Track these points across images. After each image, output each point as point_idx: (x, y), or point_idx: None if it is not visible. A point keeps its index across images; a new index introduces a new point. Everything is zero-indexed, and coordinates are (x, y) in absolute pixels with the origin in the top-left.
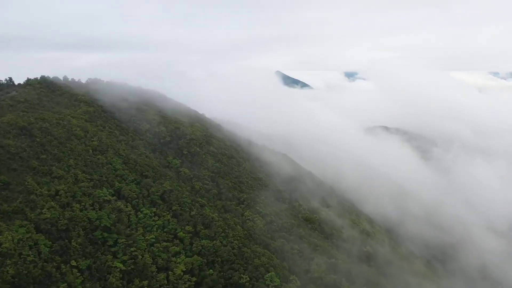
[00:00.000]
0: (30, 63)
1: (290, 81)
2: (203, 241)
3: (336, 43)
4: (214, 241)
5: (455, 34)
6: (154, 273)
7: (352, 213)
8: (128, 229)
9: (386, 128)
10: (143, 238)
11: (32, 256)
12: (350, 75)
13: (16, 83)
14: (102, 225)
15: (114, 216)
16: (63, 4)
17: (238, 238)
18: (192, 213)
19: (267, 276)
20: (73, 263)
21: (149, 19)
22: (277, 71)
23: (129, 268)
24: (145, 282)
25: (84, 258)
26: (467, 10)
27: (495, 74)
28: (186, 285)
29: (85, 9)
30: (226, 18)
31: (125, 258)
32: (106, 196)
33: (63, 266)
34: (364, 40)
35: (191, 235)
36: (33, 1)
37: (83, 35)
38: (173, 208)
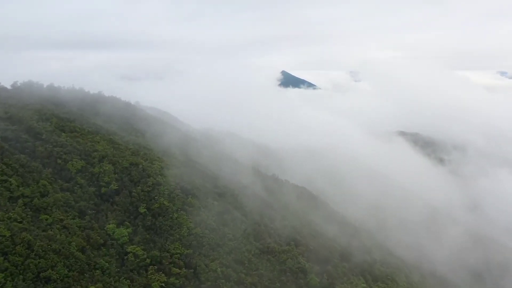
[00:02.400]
0: (29, 63)
1: (296, 81)
2: None
3: (344, 42)
4: None
5: (464, 32)
6: None
7: None
8: None
9: (399, 133)
10: None
11: None
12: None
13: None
14: None
15: None
16: (67, 1)
17: None
18: None
19: None
20: None
21: (154, 17)
22: (283, 71)
23: None
24: None
25: None
26: (478, 9)
27: (503, 73)
28: None
29: (87, 8)
30: (232, 16)
31: None
32: None
33: None
34: (372, 39)
35: None
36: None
37: (85, 34)
38: None
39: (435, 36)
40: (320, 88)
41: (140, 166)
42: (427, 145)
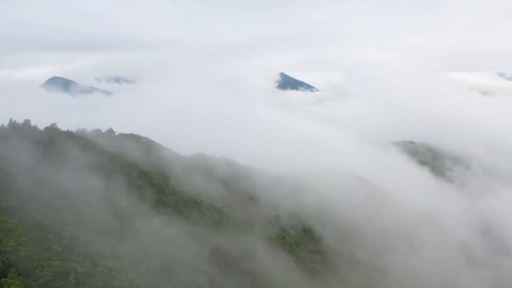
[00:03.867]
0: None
1: (294, 83)
2: None
3: (343, 42)
4: None
5: (464, 34)
6: None
7: None
8: None
9: (397, 143)
10: None
11: None
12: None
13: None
14: None
15: None
16: (66, 2)
17: None
18: None
19: None
20: None
21: (152, 18)
22: (281, 72)
23: None
24: None
25: None
26: (478, 10)
27: (501, 74)
28: None
29: (85, 8)
30: (232, 16)
31: None
32: None
33: None
34: (372, 40)
35: None
36: (31, 0)
37: (83, 35)
38: None
39: (434, 37)
40: (318, 90)
41: (72, 275)
42: (428, 157)
